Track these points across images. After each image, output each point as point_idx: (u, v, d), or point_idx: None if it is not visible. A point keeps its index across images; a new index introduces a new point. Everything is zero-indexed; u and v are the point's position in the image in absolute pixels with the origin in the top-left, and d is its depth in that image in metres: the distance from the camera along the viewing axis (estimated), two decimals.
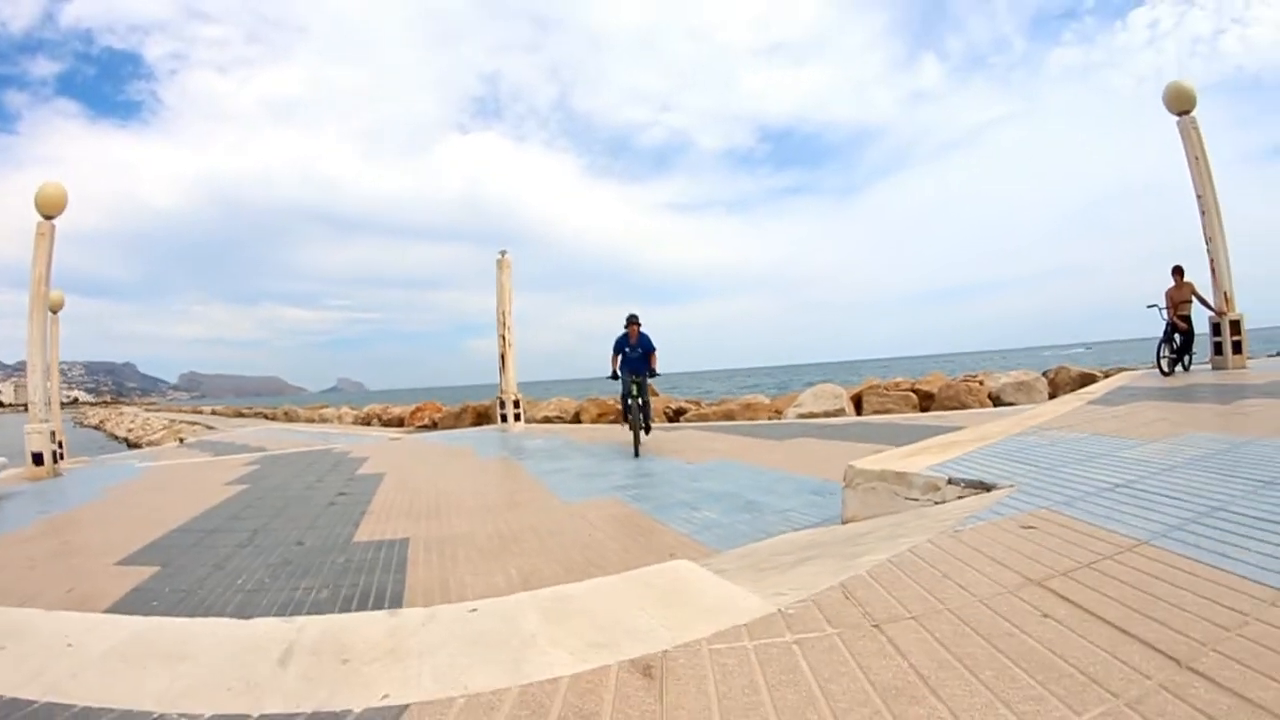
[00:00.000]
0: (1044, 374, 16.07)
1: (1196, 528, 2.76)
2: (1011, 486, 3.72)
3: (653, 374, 10.28)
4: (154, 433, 35.43)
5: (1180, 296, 12.01)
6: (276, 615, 3.47)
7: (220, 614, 3.65)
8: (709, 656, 1.95)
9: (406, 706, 1.73)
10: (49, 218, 12.10)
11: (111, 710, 1.79)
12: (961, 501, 3.69)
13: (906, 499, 4.06)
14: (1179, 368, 12.05)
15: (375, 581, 4.25)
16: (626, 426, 10.34)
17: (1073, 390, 12.52)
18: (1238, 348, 12.20)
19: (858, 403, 15.19)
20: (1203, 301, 12.11)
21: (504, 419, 15.37)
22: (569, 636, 2.14)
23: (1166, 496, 3.30)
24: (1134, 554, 2.52)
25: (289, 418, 37.54)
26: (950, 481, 3.95)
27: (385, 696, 1.79)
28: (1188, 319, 11.99)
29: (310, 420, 33.06)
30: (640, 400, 9.89)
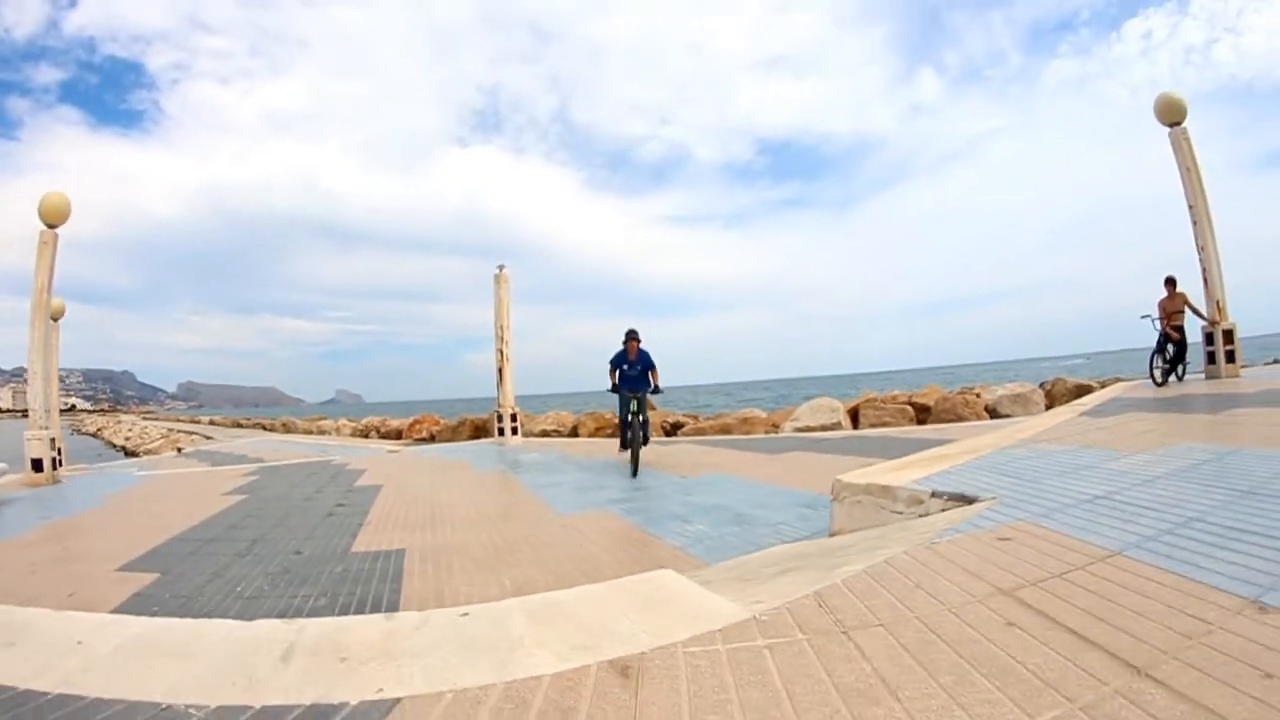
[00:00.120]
0: (1040, 386, 16.14)
1: (1171, 538, 2.83)
2: (993, 499, 3.80)
3: (656, 390, 9.90)
4: (151, 441, 35.50)
5: (1173, 307, 12.11)
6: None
7: (222, 619, 3.72)
8: (683, 658, 2.06)
9: (399, 700, 1.84)
10: (52, 226, 12.24)
11: (121, 702, 1.89)
12: (944, 514, 3.77)
13: (892, 512, 4.13)
14: (1173, 378, 12.14)
15: (372, 590, 4.31)
16: (622, 450, 10.02)
17: (1069, 402, 12.56)
18: (1231, 357, 12.27)
19: (854, 416, 15.24)
20: (1195, 311, 12.20)
21: (501, 432, 15.42)
22: (554, 639, 2.24)
23: (1144, 508, 3.38)
24: (1105, 564, 2.60)
25: (287, 429, 37.60)
26: (934, 495, 4.03)
27: (380, 691, 1.90)
28: (1181, 329, 12.07)
29: (308, 432, 33.10)
30: (641, 417, 9.37)
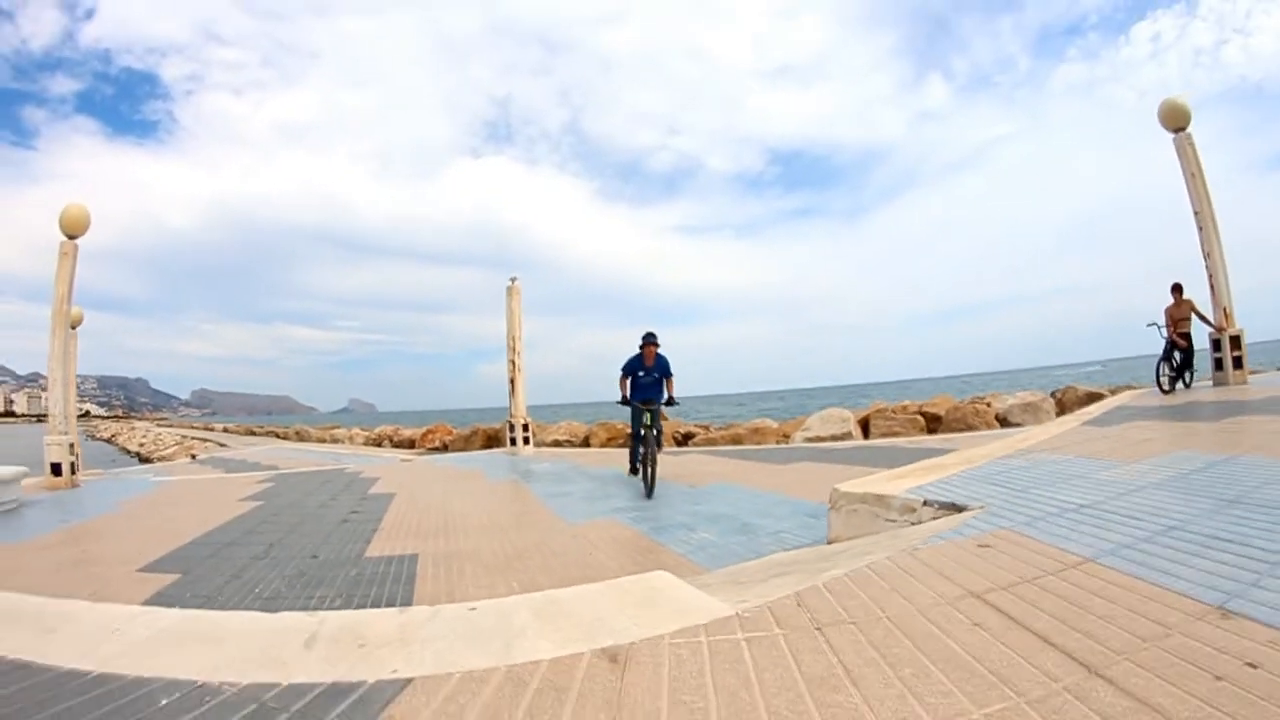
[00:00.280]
0: (1052, 394, 16.09)
1: (1148, 546, 2.94)
2: (981, 508, 3.93)
3: (671, 402, 9.08)
4: (166, 448, 35.77)
5: (1180, 314, 12.11)
6: None
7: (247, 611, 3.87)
8: (668, 648, 2.26)
9: (411, 680, 2.05)
10: (72, 237, 12.47)
11: (160, 680, 2.08)
12: (935, 522, 3.91)
13: (886, 520, 4.27)
14: (1180, 385, 12.13)
15: (386, 593, 4.46)
16: (632, 474, 9.36)
17: (1080, 410, 12.53)
18: (1238, 363, 12.25)
19: (865, 426, 15.27)
20: (1202, 318, 12.18)
21: (513, 442, 15.52)
22: (554, 630, 2.43)
23: (1127, 516, 3.48)
24: (1078, 571, 2.72)
25: (300, 437, 37.79)
26: (925, 503, 4.16)
27: (394, 671, 2.11)
28: (1187, 336, 12.07)
29: (322, 440, 33.27)
30: (655, 431, 8.46)
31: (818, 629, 2.36)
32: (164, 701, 1.93)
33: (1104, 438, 6.77)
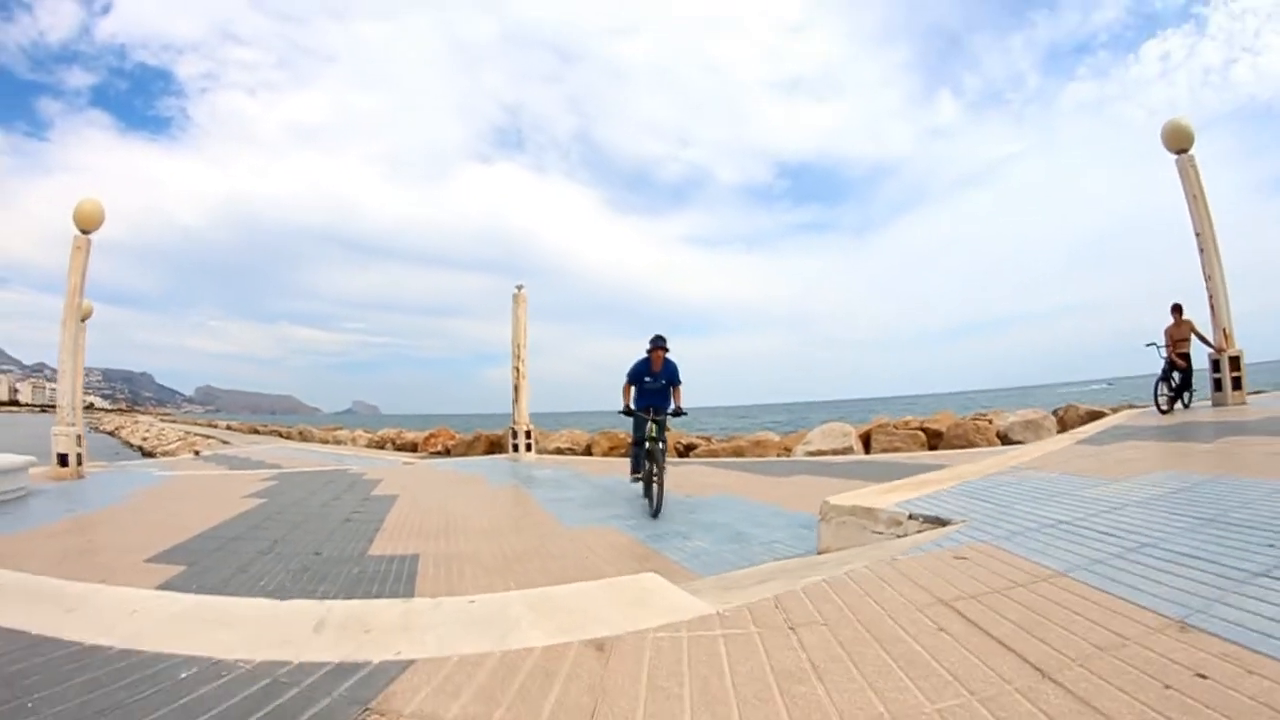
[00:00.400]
0: (1053, 412, 16.04)
1: (1119, 562, 3.04)
2: (964, 522, 4.05)
3: (678, 412, 8.31)
4: (169, 443, 35.96)
5: (1179, 334, 12.12)
6: None
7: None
8: (650, 640, 2.42)
9: (414, 661, 2.21)
10: (86, 232, 12.59)
11: (178, 656, 2.24)
12: (919, 535, 4.03)
13: (873, 532, 4.39)
14: (1179, 405, 12.12)
15: (387, 590, 4.58)
16: (634, 480, 8.46)
17: (1081, 428, 12.56)
18: (1237, 384, 12.26)
19: (866, 441, 15.29)
20: (1202, 339, 12.20)
21: (516, 448, 15.60)
22: (546, 622, 2.59)
23: (1103, 533, 3.58)
24: (1047, 583, 2.84)
25: (304, 437, 37.88)
26: (911, 517, 4.29)
27: (398, 653, 2.27)
28: (1187, 357, 12.07)
29: (325, 441, 33.34)
30: (660, 444, 7.84)
31: (791, 628, 2.50)
32: (183, 675, 2.09)
33: (1094, 456, 6.87)
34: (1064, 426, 14.76)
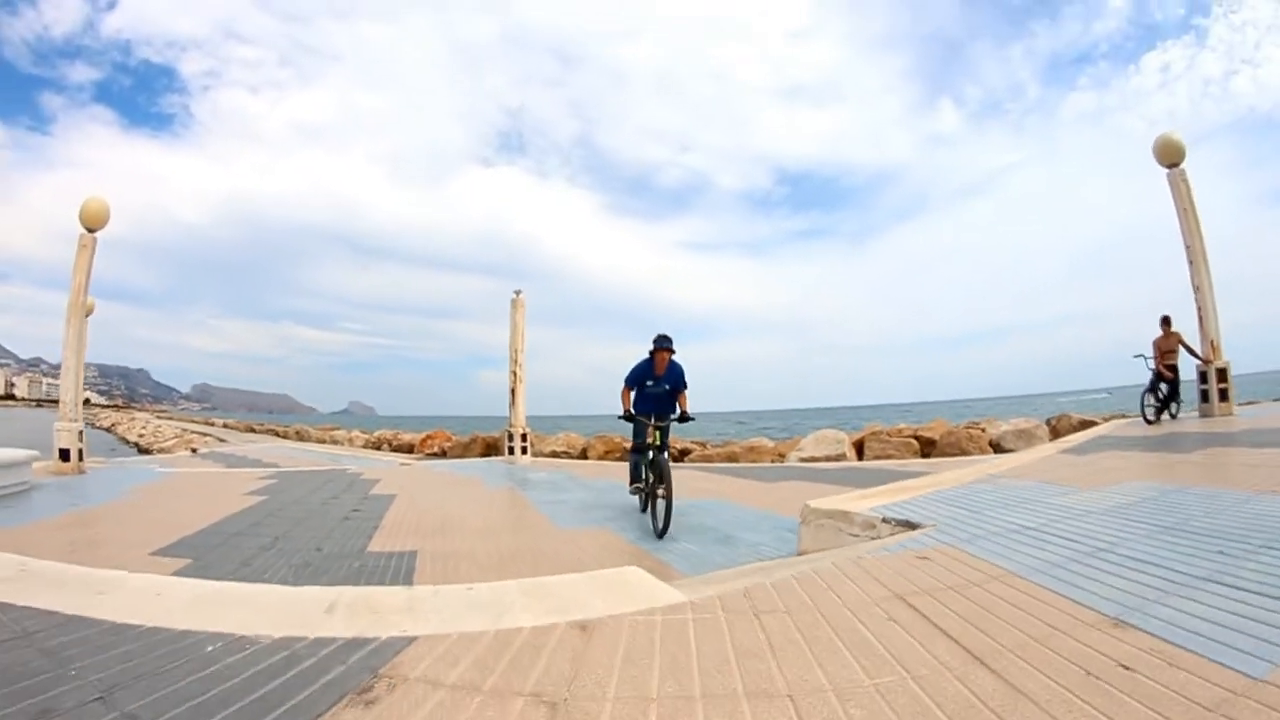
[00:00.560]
0: (1047, 421, 16.16)
1: (1074, 565, 3.24)
2: (933, 525, 4.28)
3: (684, 418, 7.55)
4: (165, 440, 36.00)
5: (1168, 346, 12.35)
6: None
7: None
8: (628, 622, 2.67)
9: (417, 637, 2.46)
10: (91, 230, 12.78)
11: (203, 632, 2.48)
12: (890, 537, 4.24)
13: (849, 535, 4.60)
14: (1165, 415, 12.32)
15: (388, 582, 4.77)
16: (633, 491, 7.80)
17: (1063, 438, 12.72)
18: (1224, 395, 12.39)
19: (859, 448, 15.43)
20: (1190, 350, 12.39)
21: (512, 451, 15.73)
22: (537, 606, 2.84)
23: (1064, 538, 3.78)
24: (999, 582, 3.05)
25: (300, 437, 37.93)
26: (884, 520, 4.50)
27: (403, 631, 2.51)
28: (1174, 368, 12.29)
29: (321, 441, 33.38)
30: (664, 454, 7.15)
31: (755, 615, 2.76)
32: (210, 649, 2.32)
33: (1073, 465, 7.06)
34: (1056, 435, 14.84)
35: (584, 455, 18.26)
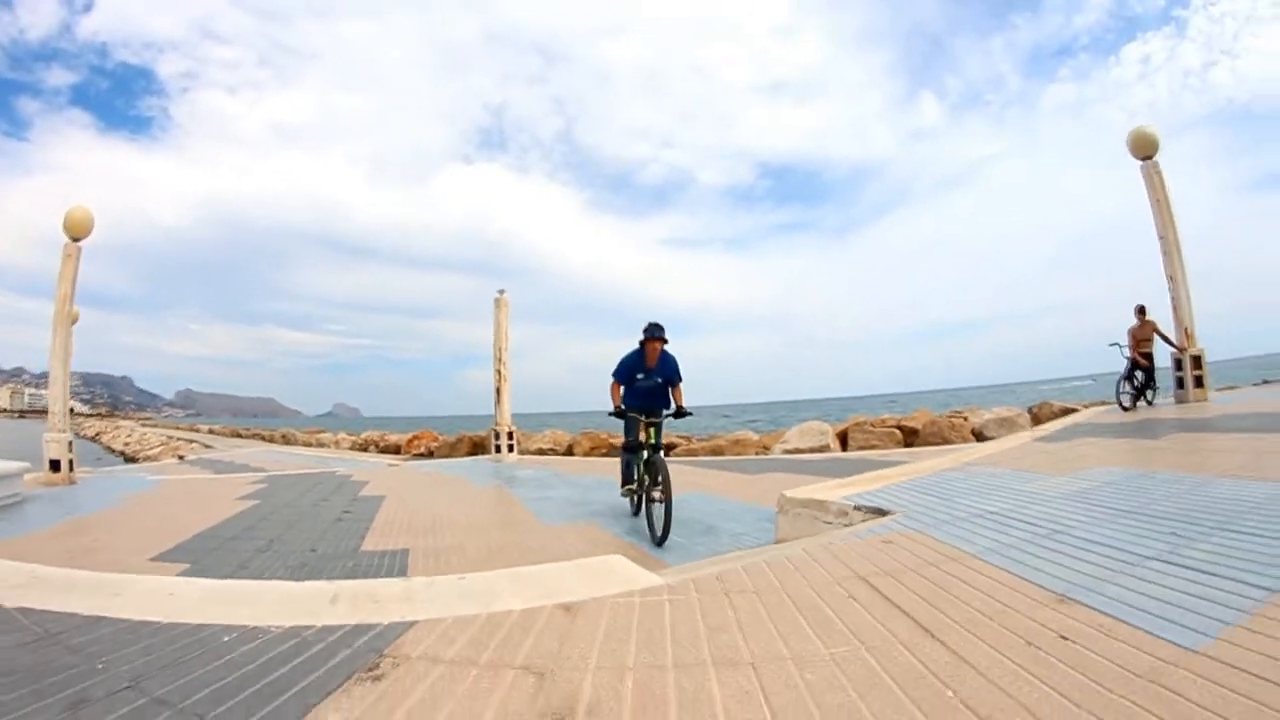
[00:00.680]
0: (1029, 410, 16.34)
1: (1030, 546, 3.43)
2: (901, 512, 4.50)
3: (680, 413, 7.08)
4: (151, 448, 35.81)
5: (1143, 334, 12.69)
6: None
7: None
8: (609, 603, 2.90)
9: (416, 621, 2.67)
10: (76, 239, 12.78)
11: (217, 625, 2.67)
12: (862, 524, 4.46)
13: (824, 522, 4.82)
14: (1142, 402, 12.64)
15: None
16: (625, 493, 7.41)
17: (1040, 425, 12.99)
18: (1199, 381, 12.69)
19: (843, 439, 15.59)
20: (1165, 339, 12.73)
21: (498, 450, 15.86)
22: (525, 592, 3.07)
23: (1025, 522, 3.97)
24: (957, 563, 3.26)
25: (286, 441, 37.82)
26: (856, 508, 4.72)
27: (404, 616, 2.72)
28: (1149, 356, 12.63)
29: (308, 444, 33.30)
30: (659, 453, 6.66)
31: (726, 595, 2.99)
32: (225, 639, 2.52)
33: (1045, 453, 7.26)
34: (1038, 422, 15.00)
35: (570, 452, 18.40)
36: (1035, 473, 5.84)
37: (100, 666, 2.30)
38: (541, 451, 18.49)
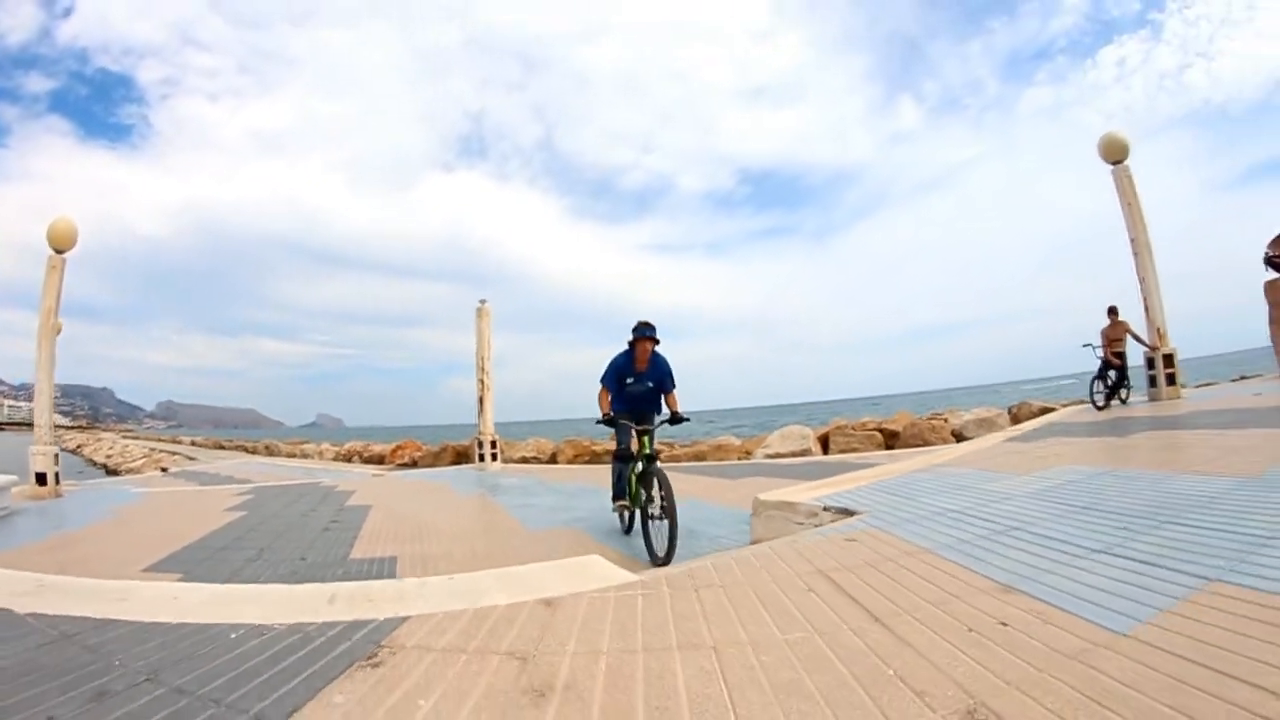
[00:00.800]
0: (1008, 410, 16.54)
1: (984, 542, 3.65)
2: (867, 512, 4.73)
3: (676, 419, 6.51)
4: (133, 460, 35.60)
5: (1114, 335, 13.03)
6: None
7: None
8: (586, 598, 3.14)
9: (409, 616, 2.90)
10: (60, 251, 12.82)
11: (224, 623, 2.88)
12: (832, 524, 4.69)
13: (795, 523, 5.04)
14: (1115, 401, 12.98)
15: None
16: (616, 509, 6.76)
17: (1014, 426, 13.26)
18: (1171, 380, 13.05)
19: (824, 443, 15.79)
20: (1136, 338, 13.05)
21: (482, 458, 15.99)
22: (510, 589, 3.30)
23: (983, 519, 4.18)
24: (913, 558, 3.49)
25: (270, 452, 37.71)
26: (826, 509, 4.96)
27: (398, 613, 2.94)
28: (1121, 355, 12.96)
29: (291, 455, 33.22)
30: (653, 463, 6.02)
31: (695, 590, 3.23)
32: (233, 635, 2.73)
33: (1014, 453, 7.48)
34: (1017, 423, 15.04)
35: (553, 460, 18.48)
36: (1000, 472, 6.05)
37: (117, 663, 2.50)
38: (525, 460, 18.57)
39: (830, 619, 2.74)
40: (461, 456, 20.05)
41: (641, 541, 5.86)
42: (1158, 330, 13.07)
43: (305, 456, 31.37)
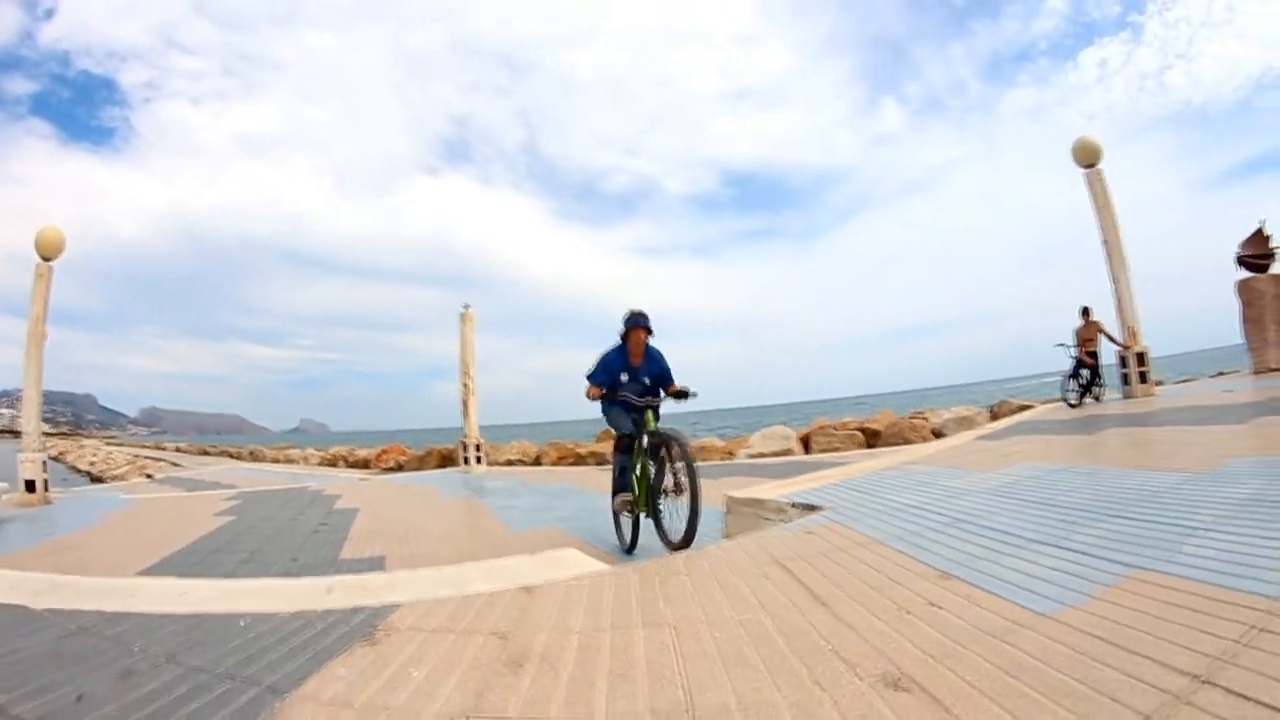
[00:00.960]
0: (989, 408, 16.83)
1: (933, 534, 3.87)
2: (831, 508, 5.00)
3: (682, 394, 5.76)
4: (118, 467, 35.43)
5: (1088, 334, 13.34)
6: None
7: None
8: (562, 586, 3.45)
9: (401, 604, 3.19)
10: (47, 259, 12.93)
11: (234, 613, 3.16)
12: (797, 519, 4.95)
13: (764, 519, 5.32)
14: (1088, 399, 13.27)
15: None
16: (619, 508, 6.04)
17: (987, 424, 13.62)
18: (1144, 378, 13.32)
19: (806, 443, 16.01)
20: (1109, 337, 13.35)
21: (466, 462, 16.19)
22: (493, 579, 3.61)
23: (937, 514, 4.39)
24: (864, 549, 3.77)
25: (255, 457, 37.59)
26: (793, 505, 5.23)
27: (392, 600, 3.24)
28: (1094, 354, 13.26)
29: (276, 460, 33.13)
30: (666, 448, 5.31)
31: (661, 577, 3.55)
32: (241, 622, 3.01)
33: (982, 451, 7.69)
34: (996, 419, 15.29)
35: (538, 462, 18.68)
36: (964, 469, 6.26)
37: (137, 649, 2.76)
38: (510, 463, 18.73)
39: (780, 601, 3.04)
40: (446, 460, 20.18)
41: (630, 538, 6.00)
42: (1130, 329, 13.41)
43: (291, 462, 31.32)
